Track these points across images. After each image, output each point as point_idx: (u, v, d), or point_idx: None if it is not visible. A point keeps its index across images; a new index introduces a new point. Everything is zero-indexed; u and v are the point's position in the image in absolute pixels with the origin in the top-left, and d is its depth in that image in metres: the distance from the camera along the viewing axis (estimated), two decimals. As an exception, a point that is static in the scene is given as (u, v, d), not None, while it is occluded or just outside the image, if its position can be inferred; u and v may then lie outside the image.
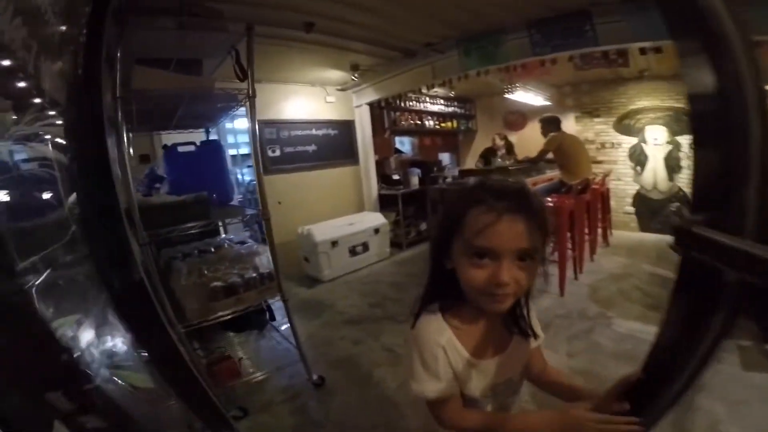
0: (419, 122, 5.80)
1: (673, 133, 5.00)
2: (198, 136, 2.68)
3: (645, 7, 2.44)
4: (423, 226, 5.11)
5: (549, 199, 3.57)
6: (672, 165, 5.07)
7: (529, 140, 5.89)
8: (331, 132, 4.85)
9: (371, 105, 5.02)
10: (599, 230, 4.61)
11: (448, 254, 0.71)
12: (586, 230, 4.00)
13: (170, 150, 2.20)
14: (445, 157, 6.91)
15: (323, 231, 4.00)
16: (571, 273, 3.57)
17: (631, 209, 5.42)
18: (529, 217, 0.64)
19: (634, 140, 5.26)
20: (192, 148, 2.28)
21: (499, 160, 4.90)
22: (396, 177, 5.27)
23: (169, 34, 1.87)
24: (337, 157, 4.91)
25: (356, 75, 4.40)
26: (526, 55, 2.99)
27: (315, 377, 2.26)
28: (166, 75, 1.72)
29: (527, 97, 4.55)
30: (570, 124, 5.64)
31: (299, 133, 4.50)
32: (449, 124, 6.29)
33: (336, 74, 4.39)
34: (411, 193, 5.08)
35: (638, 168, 5.31)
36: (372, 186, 5.17)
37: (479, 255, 0.65)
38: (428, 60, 3.74)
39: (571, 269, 3.60)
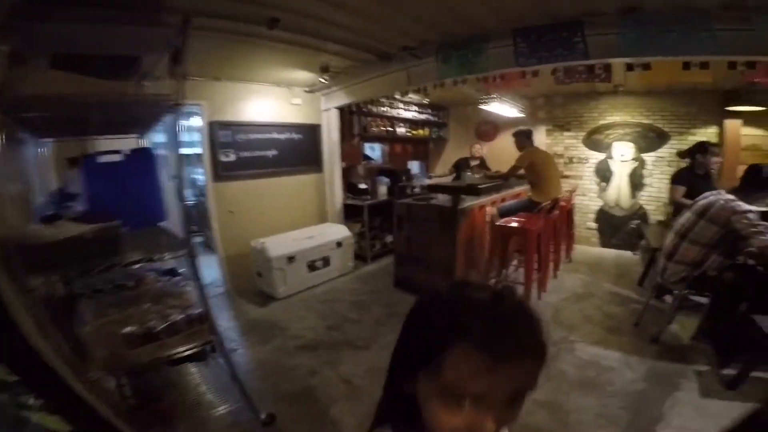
0: (391, 129, 5.61)
1: (640, 149, 5.08)
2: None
3: (642, 20, 2.35)
4: (389, 239, 4.92)
5: (517, 219, 3.50)
6: (636, 182, 5.16)
7: (500, 152, 5.86)
8: (295, 136, 4.57)
9: (341, 109, 4.79)
10: (563, 246, 4.61)
11: (411, 379, 0.54)
12: (552, 249, 3.98)
13: (89, 160, 1.88)
14: (414, 166, 6.74)
15: (279, 245, 3.73)
16: (535, 293, 3.53)
17: (594, 225, 5.49)
18: (535, 358, 0.49)
19: (601, 156, 5.31)
20: (118, 157, 1.97)
21: (469, 173, 4.79)
22: (363, 186, 5.06)
23: (93, 28, 1.58)
24: (299, 164, 4.63)
25: (326, 77, 4.16)
26: (509, 65, 2.83)
27: (263, 416, 2.03)
28: (71, 78, 1.43)
29: (501, 108, 4.46)
30: (541, 137, 5.64)
31: (259, 136, 4.19)
32: (421, 131, 6.15)
33: (304, 75, 4.13)
34: (379, 204, 4.87)
35: (603, 184, 5.37)
36: (337, 195, 4.93)
37: (458, 399, 0.48)
38: (405, 65, 3.53)
39: (535, 289, 3.57)
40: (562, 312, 3.37)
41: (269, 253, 3.61)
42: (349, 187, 5.08)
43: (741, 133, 4.42)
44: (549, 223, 3.60)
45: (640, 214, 5.19)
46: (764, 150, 4.47)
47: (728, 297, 2.46)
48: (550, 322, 3.17)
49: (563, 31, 2.54)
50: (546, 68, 2.80)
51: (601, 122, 5.24)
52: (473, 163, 5.35)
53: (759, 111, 4.15)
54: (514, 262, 4.05)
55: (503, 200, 4.25)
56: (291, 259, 3.72)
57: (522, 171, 3.90)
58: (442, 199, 3.64)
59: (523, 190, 4.56)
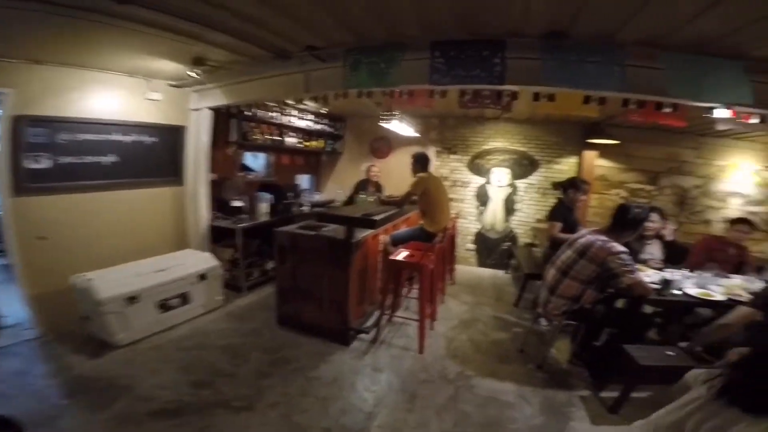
0: (279, 138, 5.01)
1: (514, 176, 5.50)
2: None
3: (565, 48, 2.30)
4: (270, 265, 4.32)
5: (411, 251, 3.31)
6: (509, 207, 5.57)
7: (392, 170, 5.77)
8: (147, 139, 3.66)
9: (216, 110, 4.06)
10: (447, 269, 4.67)
11: None
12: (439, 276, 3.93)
13: None
14: (304, 180, 6.26)
15: (115, 281, 2.86)
16: (427, 323, 3.37)
17: (472, 246, 5.77)
18: None
19: (481, 180, 5.61)
20: None
21: (362, 195, 4.51)
22: (238, 203, 4.37)
23: None
24: (151, 174, 3.72)
25: (199, 71, 3.43)
26: (422, 81, 2.59)
27: None
28: None
29: (400, 126, 4.27)
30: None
31: (92, 137, 3.21)
32: (315, 143, 5.68)
33: (170, 66, 3.33)
34: (257, 226, 4.23)
35: (481, 208, 5.67)
36: (201, 215, 4.11)
37: None
38: (304, 67, 3.06)
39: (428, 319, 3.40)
40: (453, 342, 3.32)
41: (98, 293, 2.71)
42: (220, 205, 4.33)
43: (595, 163, 5.09)
44: (439, 253, 3.51)
45: (511, 236, 5.62)
46: (610, 180, 5.23)
47: (599, 326, 2.75)
48: (445, 356, 3.09)
49: (485, 49, 2.40)
50: (456, 89, 2.66)
51: (485, 147, 5.55)
52: (371, 188, 5.11)
53: (613, 144, 4.81)
54: (407, 292, 3.92)
55: (396, 228, 4.07)
56: (132, 299, 2.87)
57: (415, 197, 3.75)
58: (333, 228, 3.24)
59: (414, 213, 4.47)
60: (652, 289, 2.49)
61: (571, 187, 3.53)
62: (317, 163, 6.45)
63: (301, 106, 5.10)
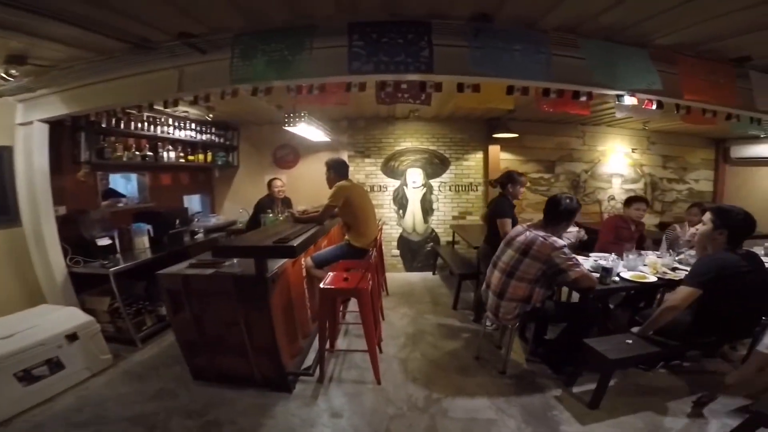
0: (151, 153, 4.01)
1: (428, 175, 5.39)
2: None
3: (490, 34, 2.07)
4: (164, 310, 3.37)
5: (341, 273, 2.81)
6: (426, 207, 5.45)
7: (302, 181, 5.17)
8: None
9: (56, 123, 3.02)
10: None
11: None
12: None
13: None
14: (194, 201, 5.24)
15: None
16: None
17: (397, 252, 5.52)
18: None
19: (397, 183, 5.38)
20: None
21: (270, 215, 3.80)
22: (104, 242, 3.33)
23: None
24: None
25: (17, 72, 2.44)
26: (338, 71, 2.12)
27: None
28: None
29: (308, 130, 3.66)
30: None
31: None
32: (200, 156, 4.73)
33: None
34: (137, 266, 3.24)
35: (401, 211, 5.45)
36: (53, 261, 3.01)
37: None
38: (178, 62, 2.39)
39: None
40: (409, 363, 2.95)
41: None
42: (78, 245, 3.23)
43: (500, 157, 5.27)
44: (374, 270, 3.09)
45: (433, 237, 5.52)
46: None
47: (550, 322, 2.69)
48: (406, 381, 2.70)
49: (409, 32, 2.07)
50: (375, 82, 2.26)
51: (397, 148, 5.33)
52: (278, 205, 4.39)
53: (513, 138, 5.00)
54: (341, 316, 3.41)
55: (318, 249, 3.51)
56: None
57: (336, 210, 3.20)
58: (237, 262, 2.54)
59: (336, 228, 3.97)
60: (596, 280, 2.46)
61: (510, 181, 3.39)
62: (209, 180, 5.48)
63: (180, 114, 4.19)
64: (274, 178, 4.50)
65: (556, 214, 2.45)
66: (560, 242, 2.33)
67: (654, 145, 5.89)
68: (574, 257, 2.34)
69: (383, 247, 5.06)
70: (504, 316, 2.55)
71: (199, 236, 4.28)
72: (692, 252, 2.97)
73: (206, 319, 2.48)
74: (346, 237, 3.24)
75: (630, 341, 2.28)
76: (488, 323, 3.34)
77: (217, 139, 4.95)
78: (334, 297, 2.71)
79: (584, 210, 5.58)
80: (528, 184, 5.50)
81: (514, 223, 3.26)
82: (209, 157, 4.87)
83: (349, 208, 3.15)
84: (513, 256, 2.47)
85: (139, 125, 3.78)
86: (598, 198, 5.80)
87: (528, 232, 2.46)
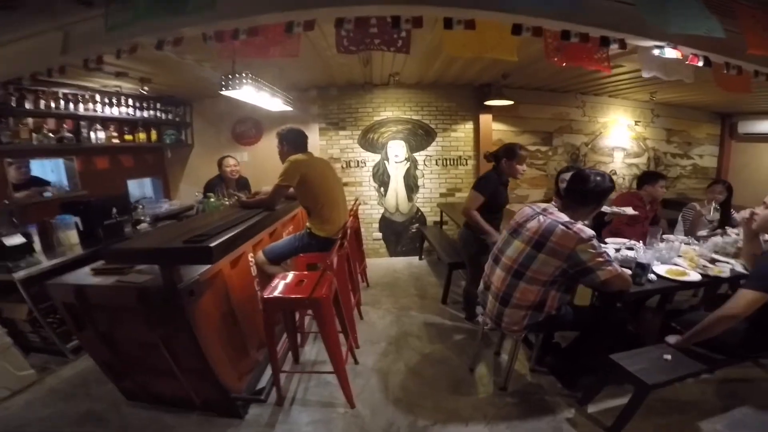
0: (70, 135, 3.30)
1: (411, 148, 4.78)
2: None
3: None
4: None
5: (298, 275, 2.21)
6: (410, 184, 4.86)
7: (266, 159, 4.51)
8: None
9: None
10: (358, 272, 3.77)
11: None
12: (351, 290, 2.97)
13: None
14: (142, 187, 4.55)
15: None
16: (349, 361, 2.46)
17: (379, 235, 4.96)
18: None
19: (377, 157, 4.76)
20: None
21: (212, 199, 3.15)
22: (15, 240, 2.69)
23: None
24: None
25: None
26: (266, 4, 1.58)
27: None
28: None
29: (257, 96, 2.94)
30: (314, 139, 4.61)
31: None
32: (141, 135, 4.00)
33: None
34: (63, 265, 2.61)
35: (382, 189, 4.85)
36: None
37: None
38: (58, 21, 1.91)
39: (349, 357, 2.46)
40: (390, 378, 2.45)
41: None
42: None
43: (492, 128, 4.67)
44: (342, 265, 2.51)
45: (418, 217, 4.97)
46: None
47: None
48: (386, 402, 2.20)
49: None
50: (328, 17, 1.63)
51: (376, 119, 4.68)
52: (230, 188, 3.73)
53: (505, 106, 4.41)
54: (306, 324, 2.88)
55: (273, 236, 2.91)
56: None
57: (292, 190, 2.59)
58: (150, 269, 1.88)
59: (296, 211, 3.38)
60: (631, 280, 1.91)
61: (506, 155, 2.68)
62: (160, 161, 4.76)
63: (111, 89, 3.48)
64: (225, 156, 3.83)
65: (583, 195, 1.86)
66: (588, 231, 1.73)
67: (658, 118, 5.42)
68: (605, 251, 1.78)
69: (363, 230, 4.53)
70: (509, 326, 1.99)
71: (144, 226, 3.65)
72: (731, 238, 2.45)
73: (117, 338, 1.93)
74: (307, 224, 2.63)
75: (668, 357, 1.79)
76: (480, 319, 2.92)
77: (164, 116, 4.24)
78: (283, 308, 2.13)
79: None
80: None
81: (498, 204, 2.73)
82: (154, 136, 4.15)
83: (306, 188, 2.53)
84: (521, 250, 1.87)
85: (53, 104, 3.06)
86: (599, 172, 5.32)
87: (542, 217, 1.85)
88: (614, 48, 1.97)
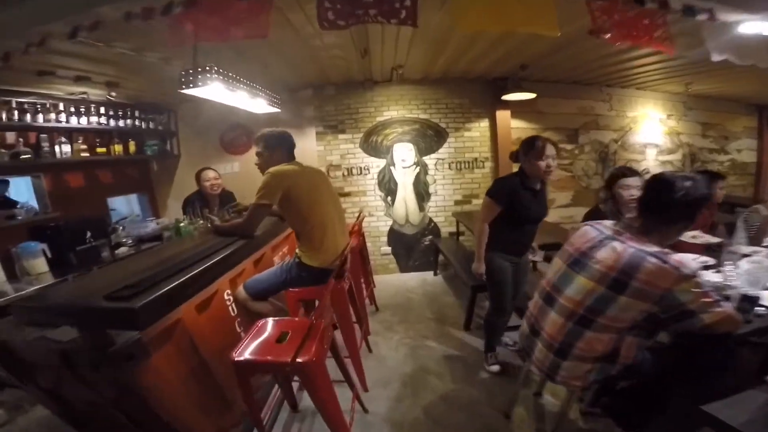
0: (26, 149, 2.87)
1: (420, 151, 4.30)
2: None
3: None
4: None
5: (280, 322, 1.70)
6: (421, 191, 4.37)
7: (258, 170, 4.06)
8: None
9: None
10: (365, 295, 3.30)
11: None
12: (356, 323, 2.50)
13: None
14: (130, 204, 4.18)
15: None
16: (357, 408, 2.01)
17: (388, 249, 4.46)
18: None
19: (382, 162, 4.29)
20: None
21: (183, 223, 2.69)
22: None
23: None
24: None
25: None
26: None
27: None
28: None
29: (239, 99, 2.48)
30: (310, 144, 4.16)
31: None
32: (117, 147, 3.58)
33: None
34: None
35: (389, 199, 4.37)
36: None
37: None
38: None
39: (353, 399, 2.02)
40: (406, 427, 1.99)
41: None
42: None
43: (511, 125, 4.17)
44: (342, 300, 2.04)
45: (431, 228, 4.47)
46: (529, 144, 4.43)
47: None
48: None
49: None
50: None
51: (379, 119, 4.21)
52: (211, 205, 3.27)
53: (525, 101, 3.93)
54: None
55: (259, 262, 2.44)
56: None
57: (275, 208, 2.08)
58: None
59: (287, 233, 2.91)
60: (741, 319, 1.38)
61: (523, 150, 2.09)
62: (145, 176, 4.35)
63: (75, 97, 3.07)
64: (203, 169, 3.34)
65: (669, 208, 1.33)
66: (691, 266, 1.23)
67: (691, 111, 4.91)
68: (711, 290, 1.29)
69: (370, 245, 4.07)
70: (568, 380, 1.47)
71: (123, 250, 3.23)
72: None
73: (63, 394, 1.50)
74: (297, 251, 2.13)
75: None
76: (507, 340, 2.68)
77: (143, 125, 3.82)
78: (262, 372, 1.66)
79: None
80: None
81: (523, 216, 2.13)
82: (132, 148, 3.73)
83: (292, 206, 2.02)
84: (589, 290, 1.36)
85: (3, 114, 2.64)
86: (631, 171, 4.81)
87: (617, 244, 1.34)
88: (702, 17, 1.49)
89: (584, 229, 1.51)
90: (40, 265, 2.73)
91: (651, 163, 4.84)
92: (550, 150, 2.03)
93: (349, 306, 2.16)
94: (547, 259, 3.10)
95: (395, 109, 4.19)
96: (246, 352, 1.48)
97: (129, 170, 4.14)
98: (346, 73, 3.65)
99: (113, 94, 3.17)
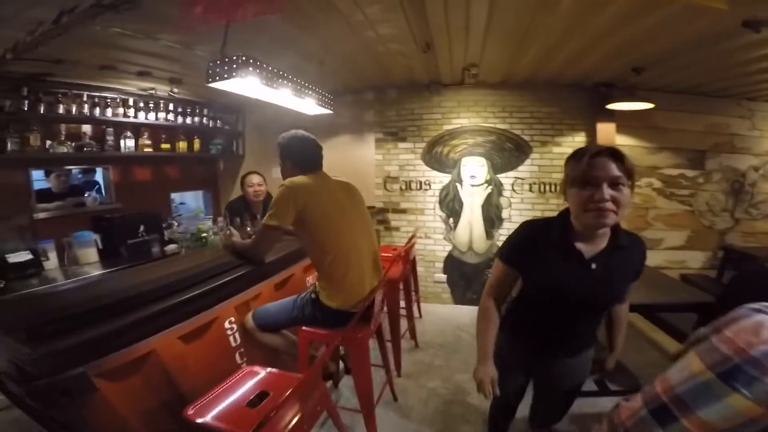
0: (92, 142, 2.96)
1: (494, 168, 3.70)
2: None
3: None
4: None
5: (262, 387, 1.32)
6: (491, 216, 3.74)
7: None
8: None
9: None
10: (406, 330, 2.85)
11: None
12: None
13: None
14: (197, 201, 4.31)
15: None
16: None
17: (443, 277, 3.90)
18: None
19: (447, 178, 3.78)
20: None
21: (206, 233, 2.52)
22: (19, 257, 2.45)
23: None
24: None
25: None
26: None
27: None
28: None
29: (281, 96, 2.21)
30: (368, 152, 3.84)
31: None
32: (182, 144, 3.65)
33: None
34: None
35: (451, 220, 3.82)
36: None
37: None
38: None
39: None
40: None
41: None
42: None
43: (616, 142, 3.37)
44: (362, 353, 1.62)
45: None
46: (636, 166, 3.54)
47: None
48: None
49: None
50: None
51: (446, 128, 3.70)
52: (255, 209, 3.12)
53: (636, 113, 3.14)
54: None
55: (282, 285, 2.12)
56: None
57: (291, 228, 1.65)
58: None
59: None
60: None
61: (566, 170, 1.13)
62: (212, 174, 4.44)
63: (145, 93, 3.15)
64: (249, 173, 3.17)
65: None
66: None
67: None
68: None
69: (422, 270, 3.61)
70: None
71: (172, 247, 3.22)
72: None
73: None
74: (315, 285, 1.75)
75: None
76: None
77: (211, 123, 3.86)
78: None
79: (750, 228, 3.63)
80: (654, 185, 3.54)
81: (547, 291, 1.19)
82: (196, 146, 3.78)
83: (307, 231, 1.63)
84: (754, 418, 0.73)
85: (73, 107, 2.74)
86: (772, 210, 3.65)
87: None
88: None
89: (756, 319, 0.87)
90: (91, 255, 2.85)
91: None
92: (606, 168, 1.01)
93: (369, 358, 1.72)
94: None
95: (467, 117, 3.65)
96: (206, 411, 1.15)
97: (196, 167, 4.23)
98: (409, 74, 3.23)
99: (175, 90, 3.19)
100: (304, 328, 1.70)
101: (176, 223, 3.56)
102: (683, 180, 3.53)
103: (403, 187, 3.82)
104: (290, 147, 1.76)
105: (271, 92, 2.10)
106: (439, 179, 3.77)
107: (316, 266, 1.72)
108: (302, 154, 1.76)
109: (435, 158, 3.76)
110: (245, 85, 1.84)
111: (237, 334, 1.76)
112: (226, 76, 1.68)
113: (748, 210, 3.59)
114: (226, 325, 1.69)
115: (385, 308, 2.22)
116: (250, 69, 1.72)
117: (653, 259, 3.55)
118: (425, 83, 3.52)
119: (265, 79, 1.86)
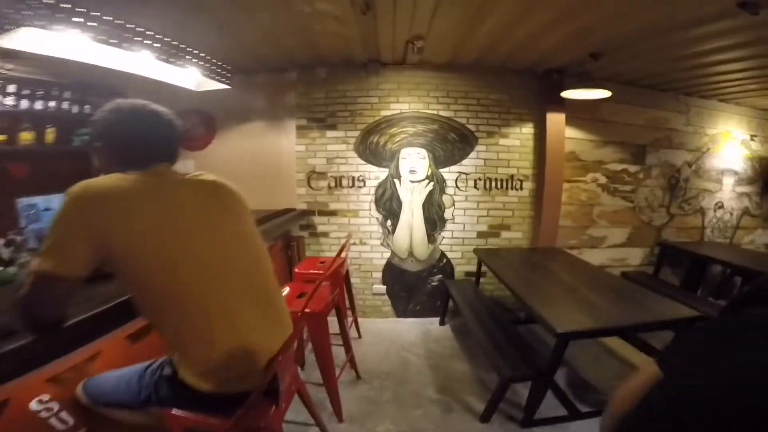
0: None
1: (437, 161, 3.26)
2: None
3: None
4: None
5: None
6: (433, 216, 3.32)
7: (218, 169, 3.06)
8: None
9: None
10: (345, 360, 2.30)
11: None
12: None
13: None
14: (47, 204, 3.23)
15: None
16: None
17: (382, 288, 3.40)
18: None
19: (384, 172, 3.26)
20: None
21: None
22: None
23: None
24: None
25: None
26: None
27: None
28: None
29: (150, 67, 1.50)
30: (286, 142, 3.17)
31: None
32: (26, 135, 2.68)
33: None
34: None
35: (389, 223, 3.33)
36: None
37: None
38: None
39: None
40: None
41: None
42: None
43: (565, 134, 3.12)
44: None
45: (442, 266, 3.40)
46: (583, 160, 3.34)
47: None
48: None
49: None
50: None
51: (384, 113, 3.17)
52: None
53: (583, 105, 2.93)
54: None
55: (135, 336, 1.43)
56: None
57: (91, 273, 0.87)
58: None
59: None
60: None
61: None
62: (84, 171, 3.41)
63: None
64: None
65: None
66: None
67: None
68: None
69: (358, 281, 3.11)
70: None
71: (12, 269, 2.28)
72: None
73: None
74: (169, 355, 1.08)
75: None
76: None
77: (72, 108, 2.96)
78: None
79: (682, 223, 3.70)
80: (600, 181, 3.40)
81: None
82: (50, 137, 2.85)
83: (128, 276, 0.92)
84: None
85: None
86: (701, 206, 3.75)
87: None
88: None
89: None
90: None
91: (726, 195, 3.85)
92: None
93: None
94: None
95: (407, 102, 3.16)
96: None
97: (56, 164, 3.19)
98: (344, 48, 2.63)
99: (8, 66, 2.27)
100: (174, 411, 1.04)
101: (25, 238, 2.59)
102: (626, 175, 3.44)
103: (333, 184, 3.22)
104: (108, 126, 1.02)
105: (121, 55, 1.37)
106: (375, 174, 3.24)
107: (157, 331, 1.01)
108: (127, 138, 1.02)
109: (370, 150, 3.21)
110: (57, 41, 1.10)
111: (65, 413, 1.06)
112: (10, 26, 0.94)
113: (681, 205, 3.65)
114: (34, 406, 0.99)
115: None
116: (45, 10, 0.99)
117: (597, 257, 3.42)
118: (363, 62, 2.94)
119: (83, 30, 1.13)
